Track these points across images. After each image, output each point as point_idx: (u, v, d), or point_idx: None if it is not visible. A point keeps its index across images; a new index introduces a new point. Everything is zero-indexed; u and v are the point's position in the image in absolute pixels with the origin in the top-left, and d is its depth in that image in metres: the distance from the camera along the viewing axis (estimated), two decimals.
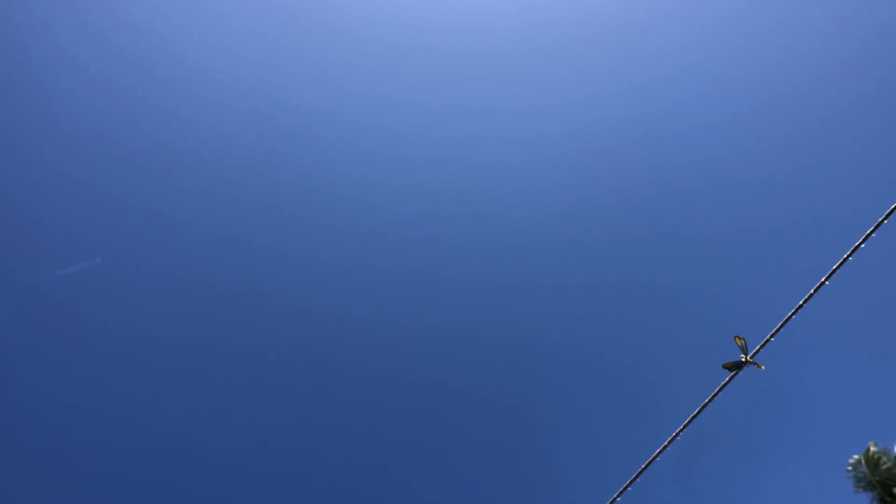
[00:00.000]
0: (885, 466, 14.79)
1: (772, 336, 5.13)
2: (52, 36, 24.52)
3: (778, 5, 25.37)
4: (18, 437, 22.32)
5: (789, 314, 4.99)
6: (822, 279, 4.96)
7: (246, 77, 26.29)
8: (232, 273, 25.47)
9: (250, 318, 25.44)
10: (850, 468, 15.50)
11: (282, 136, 26.40)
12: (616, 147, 26.67)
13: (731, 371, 5.40)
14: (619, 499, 5.51)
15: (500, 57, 27.10)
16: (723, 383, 5.26)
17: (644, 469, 5.31)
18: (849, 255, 4.91)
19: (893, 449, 15.35)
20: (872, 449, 15.31)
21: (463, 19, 27.28)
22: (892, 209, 4.74)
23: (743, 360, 5.47)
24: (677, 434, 5.22)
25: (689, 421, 5.20)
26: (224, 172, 26.01)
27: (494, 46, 27.11)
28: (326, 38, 26.75)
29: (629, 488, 5.42)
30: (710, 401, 5.20)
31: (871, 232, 4.84)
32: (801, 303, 4.97)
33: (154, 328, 24.48)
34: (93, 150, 24.83)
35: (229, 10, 26.06)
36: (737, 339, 5.55)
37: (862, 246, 4.90)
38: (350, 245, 26.09)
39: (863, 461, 15.18)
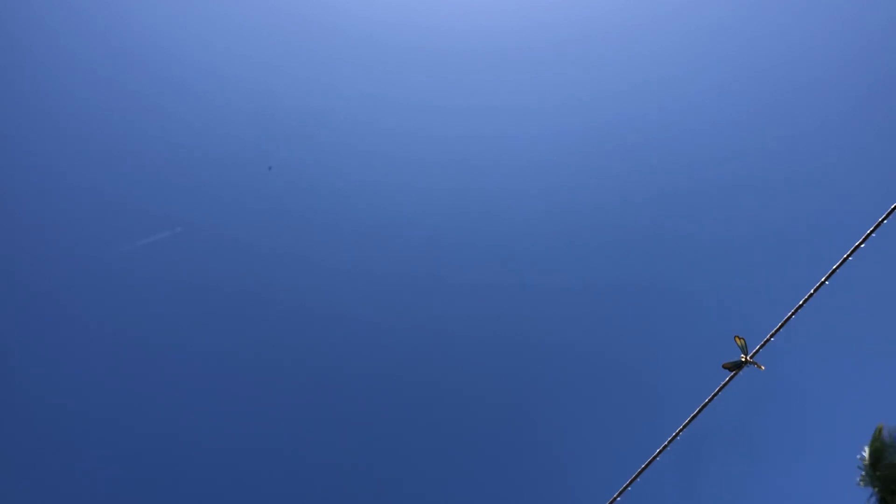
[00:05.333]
0: (888, 461, 14.67)
1: (772, 336, 5.12)
2: (52, 36, 24.50)
3: (777, 7, 25.37)
4: (22, 435, 22.33)
5: (789, 314, 4.98)
6: (822, 279, 4.95)
7: (245, 77, 26.29)
8: (230, 273, 25.46)
9: (248, 318, 25.43)
10: (860, 462, 15.34)
11: (281, 137, 26.41)
12: (616, 148, 26.68)
13: (731, 371, 5.39)
14: (619, 499, 5.50)
15: (499, 57, 27.10)
16: (723, 383, 5.25)
17: (644, 469, 5.30)
18: (849, 255, 4.90)
19: None
20: (881, 433, 15.11)
21: (462, 20, 27.27)
22: (893, 209, 4.73)
23: (743, 360, 5.46)
24: (677, 434, 5.21)
25: (689, 421, 5.19)
26: (223, 172, 26.00)
27: (493, 46, 27.11)
28: (326, 38, 26.74)
29: (629, 488, 5.41)
30: (709, 401, 5.19)
31: (872, 232, 4.83)
32: (801, 303, 4.96)
33: (152, 328, 24.47)
34: (92, 150, 24.82)
35: (229, 10, 26.06)
36: (737, 339, 5.53)
37: (862, 246, 4.89)
38: (349, 245, 26.08)
39: (866, 454, 15.04)
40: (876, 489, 14.57)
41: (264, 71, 26.37)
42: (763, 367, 5.43)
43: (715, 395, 5.18)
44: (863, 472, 15.09)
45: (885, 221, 4.78)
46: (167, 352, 24.44)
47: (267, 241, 25.77)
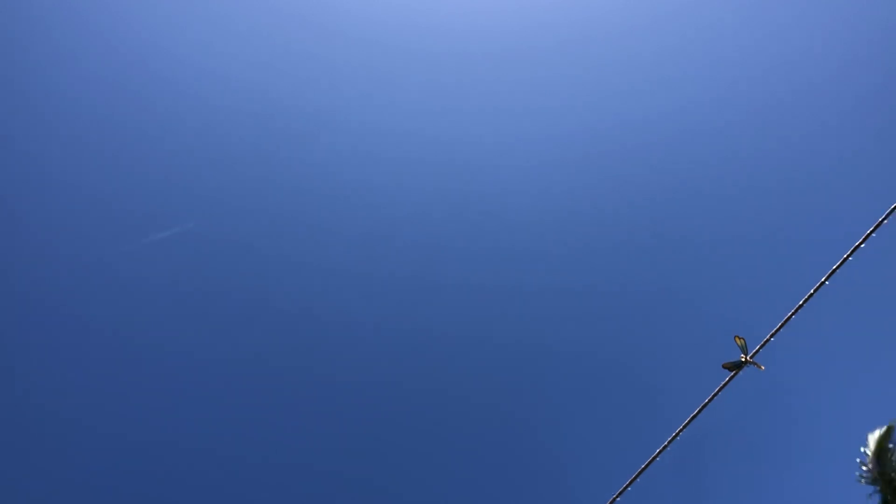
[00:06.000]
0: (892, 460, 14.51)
1: (772, 336, 5.12)
2: (52, 36, 24.51)
3: (778, 7, 25.38)
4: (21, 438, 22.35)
5: (789, 314, 4.98)
6: (822, 279, 4.96)
7: (244, 77, 26.29)
8: (228, 274, 25.47)
9: (246, 320, 25.43)
10: (862, 458, 15.21)
11: (280, 137, 26.40)
12: (615, 149, 26.67)
13: (731, 371, 5.40)
14: (619, 499, 5.51)
15: (499, 58, 27.10)
16: (723, 383, 5.26)
17: (644, 469, 5.31)
18: (849, 255, 4.91)
19: None
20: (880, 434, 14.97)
21: (460, 20, 27.28)
22: (892, 209, 4.74)
23: (743, 360, 5.47)
24: (677, 434, 5.21)
25: (689, 421, 5.19)
26: (221, 173, 26.01)
27: (493, 47, 27.11)
28: (326, 38, 26.74)
29: (629, 488, 5.42)
30: (710, 401, 5.20)
31: (872, 232, 4.84)
32: (801, 303, 4.97)
33: (149, 331, 24.47)
34: (90, 150, 24.82)
35: (227, 10, 26.06)
36: (737, 339, 5.54)
37: (862, 246, 4.89)
38: (347, 247, 26.08)
39: (871, 452, 14.92)
40: (878, 487, 14.47)
41: (263, 71, 26.38)
42: (763, 367, 5.44)
43: (715, 395, 5.19)
44: (864, 469, 14.97)
45: (885, 221, 4.79)
46: (165, 352, 24.45)
47: (265, 242, 25.77)
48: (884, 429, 14.94)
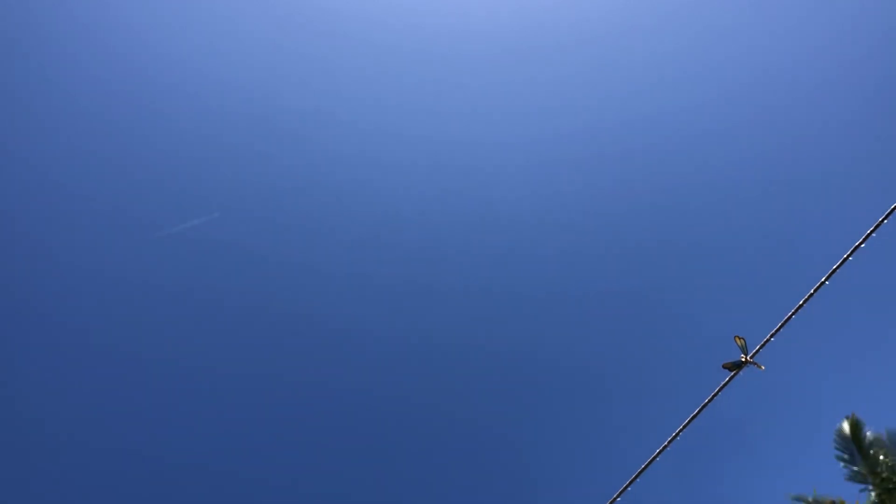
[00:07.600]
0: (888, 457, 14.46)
1: (772, 336, 5.12)
2: (52, 36, 24.51)
3: (778, 7, 25.38)
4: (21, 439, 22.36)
5: (789, 314, 4.99)
6: (822, 279, 4.96)
7: (242, 78, 26.28)
8: (227, 276, 25.47)
9: (244, 322, 25.43)
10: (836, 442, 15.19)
11: (278, 138, 26.40)
12: (615, 149, 26.67)
13: (731, 371, 5.40)
14: (619, 499, 5.51)
15: (499, 58, 27.11)
16: (723, 383, 5.26)
17: (644, 469, 5.31)
18: (849, 255, 4.91)
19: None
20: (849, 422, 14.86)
21: (460, 20, 27.28)
22: (892, 209, 4.74)
23: (743, 360, 5.47)
24: (677, 434, 5.22)
25: (690, 421, 5.20)
26: (219, 173, 26.01)
27: (492, 47, 27.11)
28: (324, 39, 26.74)
29: (629, 488, 5.42)
30: (710, 401, 5.20)
31: (872, 232, 4.84)
32: (801, 303, 4.97)
33: (147, 334, 24.47)
34: (90, 151, 24.83)
35: (226, 9, 26.06)
36: (737, 339, 5.54)
37: (862, 246, 4.89)
38: (345, 249, 26.08)
39: (854, 449, 14.86)
40: (871, 487, 14.42)
41: (262, 72, 26.38)
42: (763, 367, 5.44)
43: (715, 395, 5.19)
44: (854, 468, 14.94)
45: (885, 221, 4.79)
46: (161, 354, 24.46)
47: (263, 244, 25.76)
48: (848, 425, 14.91)
